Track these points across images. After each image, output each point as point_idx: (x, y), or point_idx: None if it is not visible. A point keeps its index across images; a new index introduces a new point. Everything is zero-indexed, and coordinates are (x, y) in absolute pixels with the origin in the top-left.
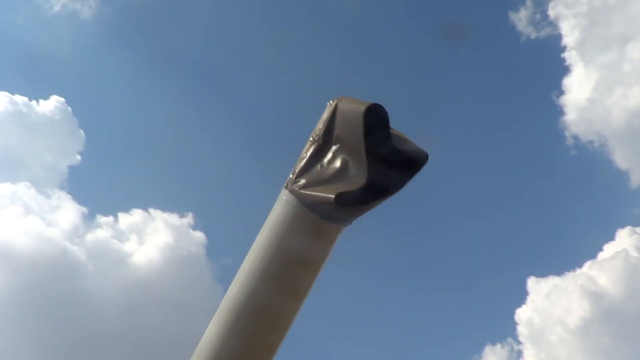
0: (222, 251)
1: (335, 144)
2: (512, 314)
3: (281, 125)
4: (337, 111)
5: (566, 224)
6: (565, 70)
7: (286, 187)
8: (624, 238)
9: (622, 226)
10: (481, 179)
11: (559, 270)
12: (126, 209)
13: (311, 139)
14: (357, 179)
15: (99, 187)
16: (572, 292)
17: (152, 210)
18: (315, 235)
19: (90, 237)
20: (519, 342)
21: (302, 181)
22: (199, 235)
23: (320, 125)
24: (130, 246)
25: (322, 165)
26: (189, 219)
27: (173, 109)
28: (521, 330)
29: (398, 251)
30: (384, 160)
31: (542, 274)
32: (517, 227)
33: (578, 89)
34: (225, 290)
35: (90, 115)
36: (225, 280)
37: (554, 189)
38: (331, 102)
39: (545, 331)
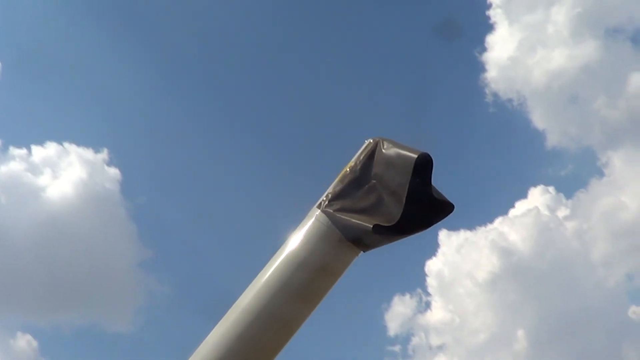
0: (136, 189)
1: (372, 180)
2: (422, 265)
3: (200, 63)
4: (377, 152)
5: (480, 179)
6: (489, 27)
7: (319, 207)
8: (536, 196)
9: (535, 185)
10: (398, 129)
11: (470, 225)
12: (40, 142)
13: (348, 169)
14: (391, 216)
15: (13, 118)
16: (482, 246)
17: (66, 145)
18: (338, 255)
19: (2, 169)
20: (427, 294)
21: (337, 206)
22: (113, 171)
23: (358, 160)
24: (44, 180)
25: (357, 196)
26: (104, 154)
27: (91, 40)
28: (430, 282)
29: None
30: (417, 203)
31: (453, 227)
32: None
33: (501, 47)
34: (140, 229)
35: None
36: (139, 218)
37: (470, 144)
38: (370, 140)
39: (454, 284)
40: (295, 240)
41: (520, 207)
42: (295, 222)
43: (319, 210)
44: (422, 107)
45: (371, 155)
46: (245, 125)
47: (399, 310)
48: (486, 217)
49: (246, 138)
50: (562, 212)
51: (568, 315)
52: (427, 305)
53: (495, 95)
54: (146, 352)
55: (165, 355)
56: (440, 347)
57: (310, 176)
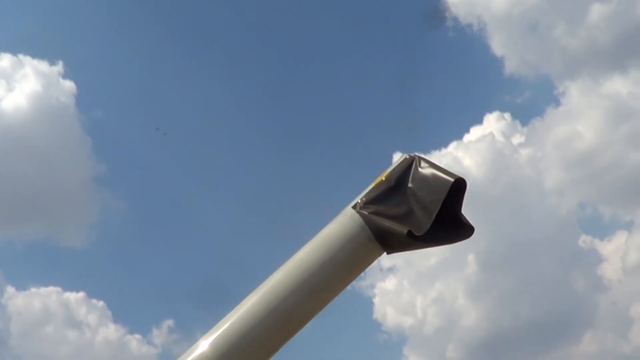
0: (92, 103)
1: (406, 192)
2: None
3: None
4: (413, 168)
5: (436, 103)
6: None
7: (354, 208)
8: (491, 122)
9: (491, 111)
10: (358, 51)
11: (424, 148)
12: None
13: (383, 178)
14: (419, 227)
15: None
16: None
17: (21, 57)
18: (365, 253)
19: None
20: None
21: (371, 209)
22: (69, 84)
23: (394, 171)
24: None
25: (389, 204)
26: (59, 67)
27: None
28: None
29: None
30: (445, 221)
31: (407, 149)
32: (387, 101)
33: None
34: (95, 143)
35: None
36: (94, 133)
37: (429, 67)
38: (407, 156)
39: None
40: (327, 234)
41: (475, 132)
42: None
43: (354, 211)
44: (381, 27)
45: (407, 169)
46: (205, 41)
47: None
48: (441, 141)
49: (205, 53)
50: (517, 139)
51: (519, 242)
52: None
53: (455, 20)
54: (100, 266)
55: (119, 270)
56: (391, 269)
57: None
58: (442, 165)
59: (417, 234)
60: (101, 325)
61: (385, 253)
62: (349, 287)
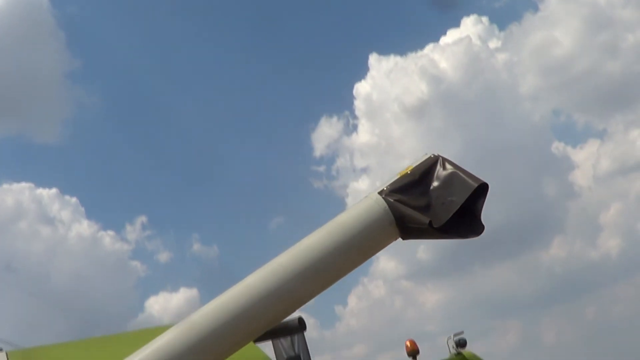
0: None
1: (428, 188)
2: (351, 88)
3: None
4: (437, 168)
5: (412, 4)
6: None
7: (380, 193)
8: (468, 26)
9: (468, 14)
10: None
11: (401, 50)
12: None
13: (409, 171)
14: (437, 219)
15: None
16: (411, 72)
17: None
18: (384, 235)
19: None
20: (355, 117)
21: (395, 197)
22: None
23: (419, 167)
24: None
25: (411, 196)
26: None
27: None
28: (358, 105)
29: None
30: (463, 217)
31: (384, 51)
32: (364, 2)
33: None
34: (69, 38)
35: None
36: (68, 28)
37: None
38: (432, 155)
39: (382, 108)
40: (353, 214)
41: (452, 35)
42: None
43: (380, 196)
44: None
45: (431, 167)
46: None
47: (325, 132)
48: (417, 44)
49: None
50: (493, 44)
51: (492, 146)
52: (354, 128)
53: None
54: (73, 163)
55: (93, 167)
56: (365, 170)
57: None
58: (463, 167)
59: (435, 226)
60: (74, 221)
61: (400, 238)
62: (321, 187)
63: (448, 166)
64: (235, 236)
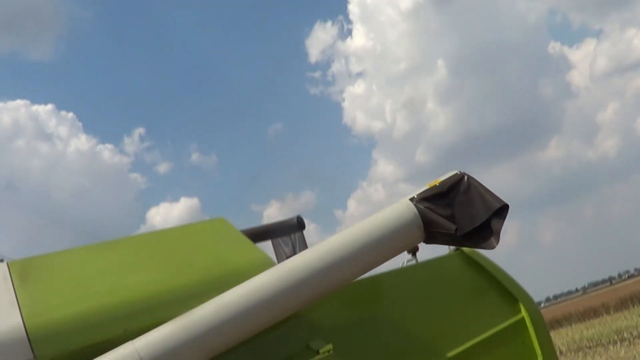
0: None
1: (452, 201)
2: None
3: None
4: (463, 184)
5: None
6: None
7: (411, 200)
8: None
9: None
10: None
11: None
12: None
13: (437, 184)
14: (460, 229)
15: None
16: None
17: None
18: (410, 239)
19: None
20: (349, 21)
21: (425, 205)
22: None
23: (446, 181)
24: None
25: (438, 205)
26: None
27: None
28: (352, 9)
29: None
30: (481, 231)
31: None
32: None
33: None
34: None
35: None
36: None
37: None
38: (459, 172)
39: (376, 12)
40: (384, 215)
41: None
42: None
43: (411, 202)
44: None
45: (458, 183)
46: None
47: (319, 37)
48: None
49: None
50: None
51: (488, 47)
52: (349, 33)
53: None
54: (68, 78)
55: (88, 81)
56: (360, 74)
57: None
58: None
59: (459, 234)
60: (72, 136)
61: (423, 242)
62: (317, 93)
63: (473, 183)
64: (234, 144)
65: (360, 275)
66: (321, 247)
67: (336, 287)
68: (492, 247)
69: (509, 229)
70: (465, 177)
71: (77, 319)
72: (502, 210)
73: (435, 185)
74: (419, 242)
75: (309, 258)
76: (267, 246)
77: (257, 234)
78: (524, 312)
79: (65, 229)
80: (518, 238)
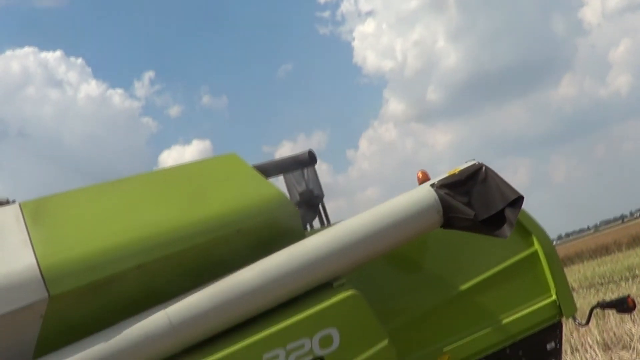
0: None
1: (470, 189)
2: None
3: None
4: (480, 175)
5: None
6: None
7: (431, 186)
8: None
9: None
10: None
11: None
12: None
13: (456, 172)
14: (477, 216)
15: None
16: None
17: None
18: (429, 223)
19: None
20: None
21: (444, 191)
22: None
23: (465, 171)
24: None
25: (456, 193)
26: None
27: None
28: None
29: None
30: (496, 219)
31: None
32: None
33: None
34: None
35: None
36: None
37: None
38: (477, 162)
39: None
40: (406, 200)
41: None
42: None
43: (432, 188)
44: None
45: (476, 172)
46: None
47: None
48: None
49: None
50: None
51: None
52: None
53: None
54: (76, 24)
55: (96, 26)
56: (370, 13)
57: None
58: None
59: (479, 219)
60: (82, 82)
61: (440, 227)
62: (327, 33)
63: (490, 174)
64: (244, 86)
65: (383, 253)
66: (344, 226)
67: (359, 262)
68: (505, 236)
69: (521, 166)
70: (484, 167)
71: (90, 257)
72: (516, 201)
73: (455, 173)
74: (438, 227)
75: (336, 234)
76: (279, 181)
77: (269, 169)
78: (537, 245)
79: (78, 174)
80: (530, 176)
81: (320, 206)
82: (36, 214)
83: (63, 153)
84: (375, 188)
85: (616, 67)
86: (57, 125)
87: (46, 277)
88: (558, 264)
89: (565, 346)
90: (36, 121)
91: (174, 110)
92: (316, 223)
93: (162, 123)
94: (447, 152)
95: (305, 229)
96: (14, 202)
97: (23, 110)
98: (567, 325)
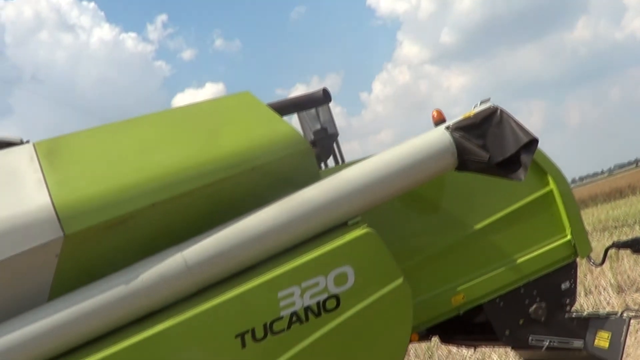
0: None
1: (485, 132)
2: None
3: None
4: (495, 117)
5: None
6: None
7: (446, 129)
8: None
9: None
10: None
11: None
12: None
13: (471, 115)
14: (491, 159)
15: None
16: None
17: None
18: (443, 165)
19: None
20: None
21: (460, 134)
22: None
23: (480, 113)
24: None
25: (471, 135)
26: None
27: None
28: None
29: None
30: (511, 161)
31: None
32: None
33: None
34: None
35: None
36: None
37: None
38: (492, 105)
39: None
40: (419, 142)
41: None
42: None
43: (446, 131)
44: None
45: (491, 115)
46: None
47: None
48: None
49: None
50: None
51: None
52: None
53: None
54: None
55: None
56: None
57: None
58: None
59: (494, 162)
60: (95, 26)
61: (454, 169)
62: None
63: (505, 117)
64: (257, 29)
65: (397, 195)
66: (360, 167)
67: (374, 203)
68: (520, 179)
69: (535, 110)
70: (498, 110)
71: (104, 195)
72: (531, 143)
73: (470, 116)
74: (452, 169)
75: (352, 175)
76: (293, 120)
77: (283, 107)
78: (552, 185)
79: (91, 118)
80: (544, 119)
81: (334, 145)
82: (50, 153)
83: (76, 97)
84: (389, 131)
85: (632, 9)
86: (70, 69)
87: (61, 216)
88: (573, 204)
89: (579, 288)
90: (49, 66)
91: (187, 54)
92: (330, 162)
93: (176, 67)
94: (462, 94)
95: (320, 167)
96: (27, 142)
97: (36, 55)
98: (581, 268)
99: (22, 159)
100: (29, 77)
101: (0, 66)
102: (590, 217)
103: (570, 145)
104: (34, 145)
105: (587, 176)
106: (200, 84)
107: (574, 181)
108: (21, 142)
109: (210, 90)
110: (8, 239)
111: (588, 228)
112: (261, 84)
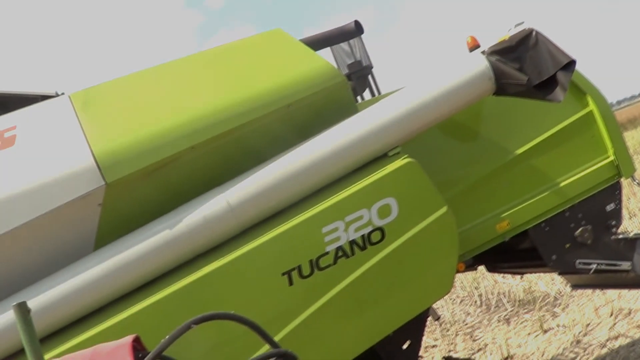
0: None
1: (522, 54)
2: None
3: None
4: (531, 39)
5: None
6: None
7: (482, 53)
8: None
9: None
10: None
11: None
12: None
13: (507, 38)
14: (530, 81)
15: None
16: None
17: None
18: (481, 89)
19: None
20: None
21: (497, 57)
22: None
23: (516, 36)
24: None
25: (508, 59)
26: None
27: None
28: None
29: None
30: (550, 83)
31: None
32: None
33: None
34: None
35: None
36: None
37: None
38: (527, 27)
39: None
40: (456, 67)
41: None
42: None
43: (483, 55)
44: None
45: (526, 37)
46: None
47: None
48: None
49: None
50: None
51: None
52: None
53: None
54: None
55: None
56: None
57: None
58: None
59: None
60: None
61: (492, 94)
62: None
63: (541, 39)
64: None
65: (436, 123)
66: (397, 96)
67: (413, 133)
68: (559, 100)
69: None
70: (534, 32)
71: (142, 141)
72: (569, 64)
73: (505, 39)
74: (490, 94)
75: (390, 105)
76: (326, 54)
77: (316, 42)
78: (592, 105)
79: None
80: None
81: (370, 77)
82: (86, 104)
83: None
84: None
85: None
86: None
87: (101, 165)
88: (614, 124)
89: (623, 212)
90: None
91: (215, 2)
92: (367, 94)
93: (206, 14)
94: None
95: (356, 100)
96: (62, 94)
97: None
98: (624, 191)
99: (59, 111)
100: None
101: None
102: (629, 139)
103: (607, 68)
104: (69, 97)
105: (624, 99)
106: (230, 28)
107: (611, 105)
108: (56, 95)
109: (239, 34)
110: (51, 191)
111: (630, 151)
112: (290, 23)
